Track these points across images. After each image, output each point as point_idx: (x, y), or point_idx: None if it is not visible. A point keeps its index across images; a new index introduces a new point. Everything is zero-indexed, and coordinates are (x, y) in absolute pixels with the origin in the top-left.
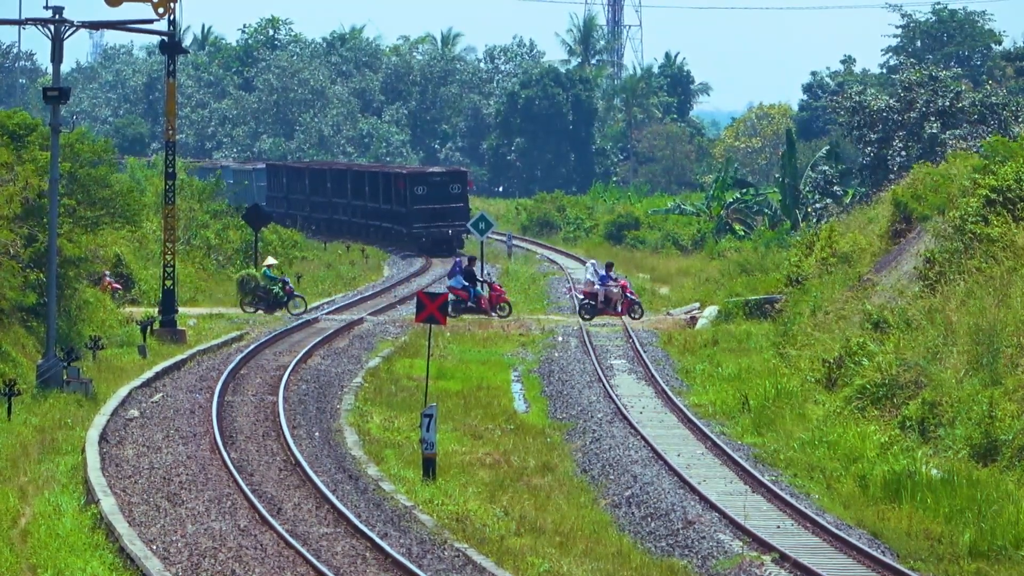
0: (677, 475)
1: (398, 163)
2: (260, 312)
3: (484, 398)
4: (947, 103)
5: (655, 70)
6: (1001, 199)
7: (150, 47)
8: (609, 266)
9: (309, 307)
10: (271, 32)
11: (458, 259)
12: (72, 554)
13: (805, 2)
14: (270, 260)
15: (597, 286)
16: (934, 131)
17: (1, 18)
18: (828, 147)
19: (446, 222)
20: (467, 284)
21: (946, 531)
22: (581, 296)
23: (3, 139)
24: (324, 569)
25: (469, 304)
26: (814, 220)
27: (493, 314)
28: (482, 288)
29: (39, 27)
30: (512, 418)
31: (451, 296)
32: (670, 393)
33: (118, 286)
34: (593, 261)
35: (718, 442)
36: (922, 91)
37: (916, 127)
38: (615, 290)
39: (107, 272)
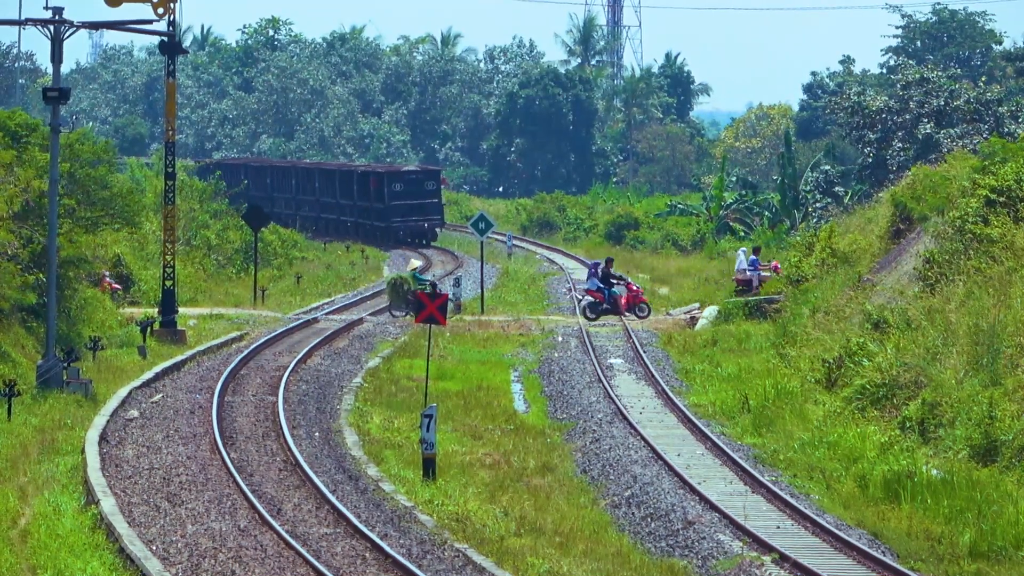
0: (677, 475)
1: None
2: (409, 315)
3: (484, 398)
4: (942, 103)
5: (655, 70)
6: (1001, 199)
7: (150, 47)
8: (756, 251)
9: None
10: (271, 32)
11: (595, 261)
12: (72, 555)
13: (805, 2)
14: (416, 263)
15: (749, 273)
16: (928, 131)
17: (1, 18)
18: (826, 147)
19: (422, 216)
20: (602, 286)
21: (946, 531)
22: (737, 284)
23: (5, 140)
24: (324, 570)
25: (604, 306)
26: (814, 220)
27: (629, 315)
28: (619, 289)
29: (39, 27)
30: (512, 418)
31: (588, 298)
32: (670, 393)
33: (117, 286)
34: (743, 249)
35: (718, 442)
36: (916, 91)
37: (912, 127)
38: (767, 274)
39: (106, 272)
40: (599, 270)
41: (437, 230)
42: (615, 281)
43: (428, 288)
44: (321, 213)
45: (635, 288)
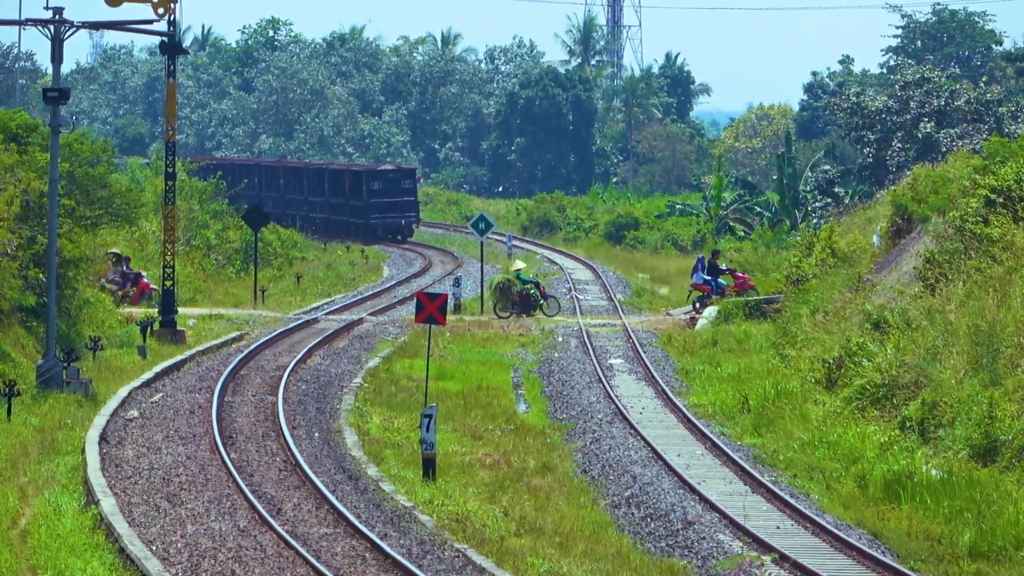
0: (677, 475)
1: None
2: (513, 315)
3: (484, 398)
4: (942, 103)
5: (655, 70)
6: (1001, 200)
7: (150, 47)
8: None
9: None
10: (271, 33)
11: (700, 256)
12: (72, 555)
13: (805, 2)
14: (519, 264)
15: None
16: (928, 131)
17: (1, 18)
18: (825, 148)
19: (399, 213)
20: (708, 279)
21: (946, 531)
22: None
23: (9, 145)
24: (324, 570)
25: (713, 298)
26: (814, 220)
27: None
28: (725, 280)
29: (39, 28)
30: (512, 418)
31: (697, 292)
32: (670, 393)
33: (154, 287)
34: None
35: (718, 442)
36: (916, 91)
37: (912, 127)
38: None
39: (143, 272)
40: (704, 263)
41: (413, 227)
42: (723, 271)
43: (532, 289)
44: (289, 210)
45: (741, 276)
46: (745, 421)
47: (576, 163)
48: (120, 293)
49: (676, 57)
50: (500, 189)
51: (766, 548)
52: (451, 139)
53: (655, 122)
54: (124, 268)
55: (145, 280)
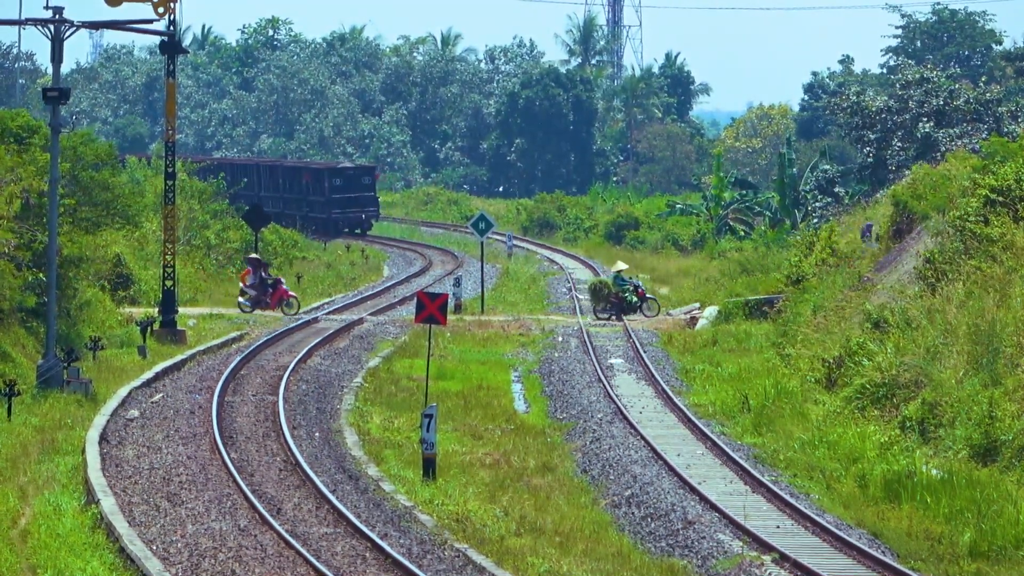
0: (677, 475)
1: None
2: (612, 317)
3: (484, 398)
4: (941, 103)
5: (655, 70)
6: (1001, 199)
7: (150, 47)
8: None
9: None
10: (271, 32)
11: (869, 222)
12: (72, 554)
13: (805, 2)
14: (621, 265)
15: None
16: (928, 131)
17: (1, 18)
18: (823, 149)
19: (359, 208)
20: None
21: (946, 531)
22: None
23: (10, 145)
24: (324, 569)
25: None
26: (814, 220)
27: None
28: None
29: (39, 27)
30: (512, 418)
31: None
32: (670, 393)
33: (293, 294)
34: None
35: (718, 442)
36: (916, 91)
37: (911, 127)
38: None
39: (282, 279)
40: (869, 232)
41: (372, 221)
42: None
43: (631, 291)
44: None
45: None
46: (745, 421)
47: (576, 163)
48: (256, 298)
49: (676, 57)
50: (500, 189)
51: (766, 548)
52: (451, 139)
53: (655, 122)
54: (263, 274)
55: (284, 287)
